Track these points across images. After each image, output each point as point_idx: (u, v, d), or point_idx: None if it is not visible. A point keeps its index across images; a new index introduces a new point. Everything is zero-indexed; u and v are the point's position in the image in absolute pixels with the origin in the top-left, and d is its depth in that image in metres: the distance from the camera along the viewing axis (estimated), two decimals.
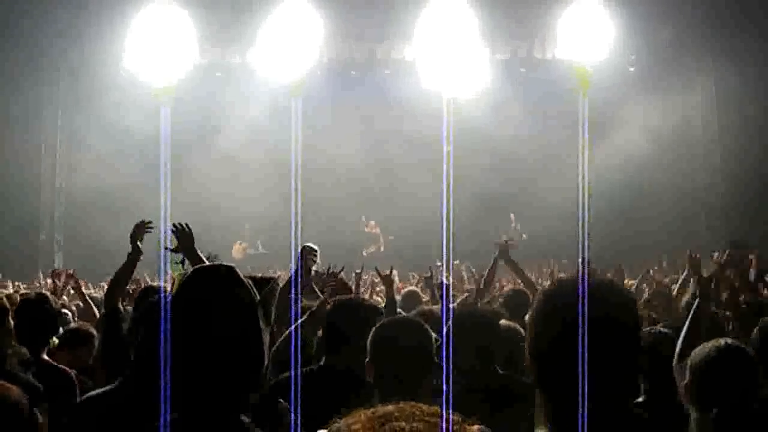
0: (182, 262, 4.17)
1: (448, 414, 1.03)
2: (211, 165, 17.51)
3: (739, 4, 15.71)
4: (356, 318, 3.22)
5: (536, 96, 17.23)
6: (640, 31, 16.21)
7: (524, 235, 16.27)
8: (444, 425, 1.00)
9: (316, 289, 4.63)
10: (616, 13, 15.60)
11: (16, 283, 10.15)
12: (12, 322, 3.25)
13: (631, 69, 17.32)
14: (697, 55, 17.22)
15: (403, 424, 0.99)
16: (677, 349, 3.24)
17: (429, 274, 5.98)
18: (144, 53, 15.62)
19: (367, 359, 2.65)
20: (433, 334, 2.79)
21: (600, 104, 15.28)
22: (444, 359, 2.44)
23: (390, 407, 1.03)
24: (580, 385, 1.42)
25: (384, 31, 16.93)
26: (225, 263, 2.03)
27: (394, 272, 5.64)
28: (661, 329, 3.72)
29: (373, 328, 2.73)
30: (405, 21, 15.85)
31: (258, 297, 1.81)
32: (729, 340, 2.88)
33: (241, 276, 1.84)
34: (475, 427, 1.04)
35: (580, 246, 4.75)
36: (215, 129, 17.80)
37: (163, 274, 4.40)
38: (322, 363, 3.24)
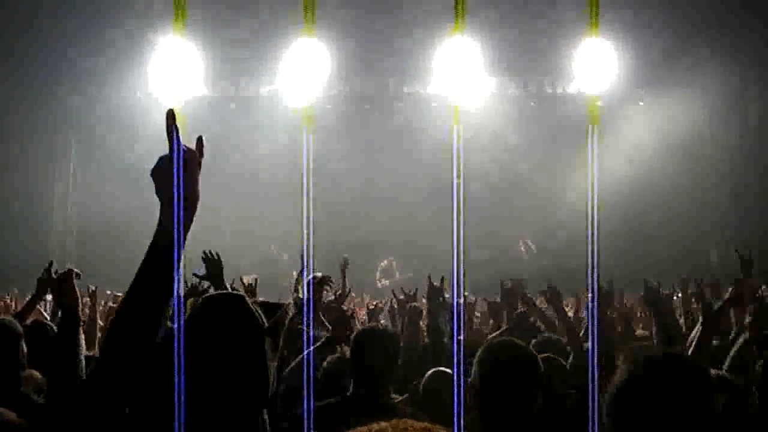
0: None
1: (441, 430, 1.07)
2: (223, 195, 17.59)
3: (749, 35, 15.80)
4: (382, 347, 3.23)
5: (548, 130, 17.30)
6: (651, 66, 16.32)
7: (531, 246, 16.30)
8: None
9: (324, 320, 4.63)
10: (626, 49, 15.73)
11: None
12: (25, 347, 3.27)
13: (641, 103, 17.41)
14: (709, 86, 17.29)
15: None
16: None
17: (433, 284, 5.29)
18: (159, 85, 15.85)
19: (470, 381, 2.60)
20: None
21: (611, 136, 15.37)
22: (455, 381, 2.45)
23: (383, 424, 1.07)
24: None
25: (396, 65, 17.10)
26: (238, 291, 2.06)
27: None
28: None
29: (481, 349, 2.70)
30: (417, 55, 16.02)
31: (266, 325, 1.84)
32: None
33: (249, 305, 1.87)
34: None
35: (589, 278, 4.75)
36: (228, 160, 17.91)
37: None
38: (349, 393, 3.24)
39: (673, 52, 16.19)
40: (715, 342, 3.92)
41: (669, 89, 17.08)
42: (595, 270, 4.71)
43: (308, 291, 4.76)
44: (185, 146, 1.78)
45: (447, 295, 6.08)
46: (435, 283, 4.78)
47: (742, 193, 16.49)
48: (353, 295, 10.47)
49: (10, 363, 3.15)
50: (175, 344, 1.74)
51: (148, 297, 1.70)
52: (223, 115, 17.26)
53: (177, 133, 1.77)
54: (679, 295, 7.02)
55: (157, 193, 1.78)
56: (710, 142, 17.39)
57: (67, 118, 17.95)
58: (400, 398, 4.03)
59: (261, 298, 2.04)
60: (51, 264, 4.92)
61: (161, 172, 1.77)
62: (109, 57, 16.18)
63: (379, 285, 16.41)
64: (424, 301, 5.46)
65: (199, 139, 1.84)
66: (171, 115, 1.76)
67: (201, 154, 1.83)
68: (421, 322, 5.03)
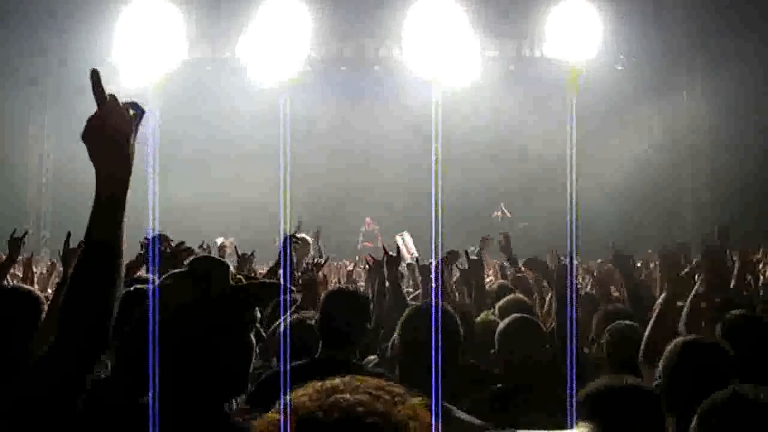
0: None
1: (393, 387, 1.09)
2: (200, 160, 17.46)
3: (729, 6, 15.80)
4: (350, 308, 3.22)
5: (526, 93, 17.27)
6: (630, 30, 16.29)
7: (522, 224, 16.40)
8: (387, 397, 1.06)
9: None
10: (606, 12, 15.69)
11: None
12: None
13: (619, 68, 17.40)
14: (687, 54, 17.34)
15: (348, 395, 1.05)
16: (642, 346, 3.25)
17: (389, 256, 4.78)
18: (132, 48, 15.58)
19: (395, 343, 2.66)
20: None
21: (589, 102, 15.37)
22: (434, 348, 2.45)
23: (337, 380, 1.10)
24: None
25: (373, 28, 16.93)
26: (216, 257, 2.00)
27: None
28: (623, 322, 3.74)
29: (405, 314, 2.74)
30: (394, 18, 15.87)
31: (234, 296, 1.79)
32: (700, 338, 2.80)
33: (221, 271, 1.81)
34: (417, 399, 1.09)
35: (568, 244, 4.77)
36: (204, 123, 17.74)
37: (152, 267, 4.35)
38: (317, 356, 3.21)
39: (656, 16, 16.15)
40: (680, 303, 3.96)
41: (650, 55, 17.09)
42: (574, 234, 4.73)
43: (285, 250, 4.71)
44: (116, 103, 1.69)
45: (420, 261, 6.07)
46: (391, 253, 4.69)
47: (720, 162, 16.62)
48: (334, 262, 10.47)
49: (28, 335, 3.06)
50: (150, 313, 1.71)
51: (96, 274, 1.64)
52: (199, 78, 17.04)
53: (103, 93, 1.68)
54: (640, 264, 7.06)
55: (91, 158, 1.68)
56: (690, 111, 17.50)
57: (41, 83, 17.66)
58: (372, 361, 4.02)
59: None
60: (26, 233, 4.89)
61: (94, 134, 1.67)
62: (78, 19, 15.87)
63: (359, 247, 16.43)
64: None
65: (134, 104, 1.73)
66: (95, 76, 1.67)
67: (141, 111, 1.73)
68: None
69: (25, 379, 1.59)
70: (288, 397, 1.07)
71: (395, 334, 2.75)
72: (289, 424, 1.03)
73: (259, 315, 1.85)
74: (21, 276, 6.50)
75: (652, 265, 6.88)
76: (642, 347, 3.25)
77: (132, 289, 2.39)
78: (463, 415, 2.52)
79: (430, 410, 1.08)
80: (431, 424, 1.07)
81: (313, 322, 3.53)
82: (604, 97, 16.48)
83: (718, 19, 15.83)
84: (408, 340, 2.67)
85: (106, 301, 1.63)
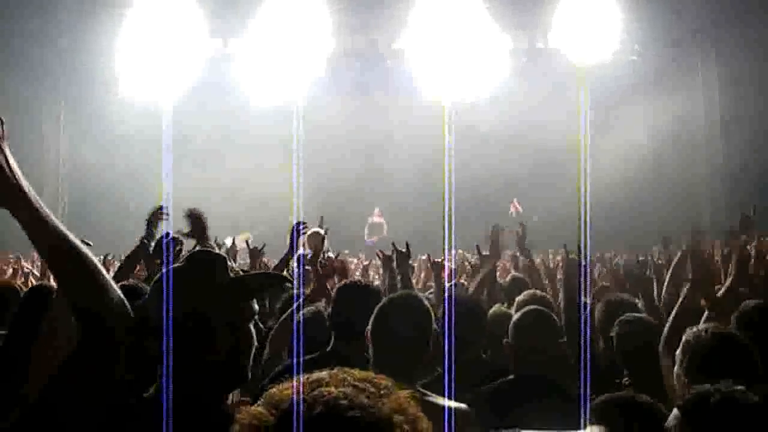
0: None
1: (380, 380, 1.08)
2: (215, 154, 17.54)
3: None
4: (362, 302, 3.23)
5: (539, 85, 17.18)
6: (645, 22, 16.17)
7: (535, 217, 16.35)
8: (373, 390, 1.05)
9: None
10: (620, 4, 15.57)
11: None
12: None
13: (634, 58, 17.27)
14: (701, 43, 17.20)
15: (332, 388, 1.04)
16: (663, 335, 3.25)
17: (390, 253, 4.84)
18: (146, 42, 15.59)
19: (368, 335, 2.71)
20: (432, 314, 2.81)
21: (603, 94, 15.28)
22: (446, 343, 2.46)
23: (324, 373, 1.09)
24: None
25: (385, 22, 16.89)
26: (219, 252, 2.02)
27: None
28: (632, 314, 3.72)
29: (379, 304, 2.77)
30: (406, 11, 15.84)
31: (235, 288, 1.80)
32: (724, 328, 2.80)
33: (219, 263, 1.82)
34: (406, 392, 1.08)
35: (581, 237, 4.75)
36: (216, 119, 17.80)
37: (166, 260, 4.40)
38: (329, 349, 3.22)
39: (671, 5, 16.01)
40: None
41: (665, 45, 16.96)
42: (588, 227, 4.72)
43: (295, 242, 4.71)
44: None
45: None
46: (401, 249, 4.68)
47: (735, 150, 16.48)
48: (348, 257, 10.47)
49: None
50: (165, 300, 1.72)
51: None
52: (212, 73, 17.06)
53: None
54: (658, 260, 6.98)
55: None
56: (705, 100, 17.37)
57: (57, 83, 17.77)
58: None
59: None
60: None
61: None
62: (89, 15, 15.93)
63: (367, 240, 16.43)
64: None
65: None
66: None
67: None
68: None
69: (57, 381, 1.58)
70: (273, 391, 1.07)
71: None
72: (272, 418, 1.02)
73: (257, 307, 1.85)
74: (39, 273, 6.58)
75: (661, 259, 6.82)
76: (664, 336, 3.25)
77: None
78: (452, 404, 2.49)
79: (419, 403, 1.07)
80: (418, 417, 1.05)
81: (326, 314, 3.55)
82: (618, 88, 16.37)
83: (732, 7, 15.68)
84: (374, 330, 2.71)
85: (97, 294, 1.60)
